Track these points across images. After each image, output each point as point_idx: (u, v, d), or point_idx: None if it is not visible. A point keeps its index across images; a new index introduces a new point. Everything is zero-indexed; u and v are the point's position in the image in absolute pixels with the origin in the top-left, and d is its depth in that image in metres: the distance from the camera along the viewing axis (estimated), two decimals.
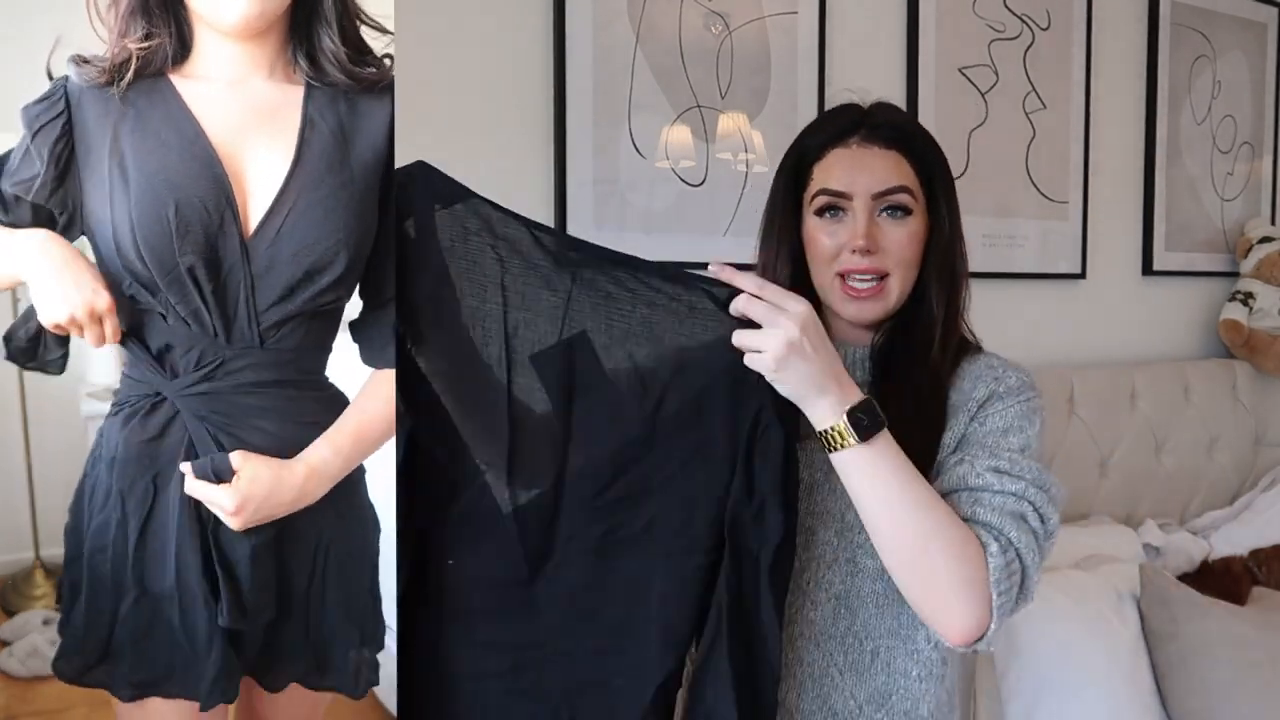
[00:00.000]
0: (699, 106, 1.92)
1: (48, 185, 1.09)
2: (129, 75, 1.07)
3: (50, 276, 1.04)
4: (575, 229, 1.80)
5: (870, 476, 0.96)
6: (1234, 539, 2.37)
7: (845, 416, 0.95)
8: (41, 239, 1.06)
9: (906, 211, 1.09)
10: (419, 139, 1.69)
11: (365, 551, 1.27)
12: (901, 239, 1.08)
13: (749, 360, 0.95)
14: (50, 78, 1.11)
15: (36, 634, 1.64)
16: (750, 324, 0.96)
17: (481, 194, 1.03)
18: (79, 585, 1.17)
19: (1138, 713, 1.81)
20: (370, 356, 1.22)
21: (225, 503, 1.08)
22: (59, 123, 1.08)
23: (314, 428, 1.17)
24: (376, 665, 1.27)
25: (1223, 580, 2.18)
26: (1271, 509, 2.47)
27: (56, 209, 1.10)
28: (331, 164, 1.10)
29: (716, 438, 0.99)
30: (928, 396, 1.09)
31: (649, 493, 1.01)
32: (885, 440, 0.97)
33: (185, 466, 1.10)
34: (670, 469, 1.01)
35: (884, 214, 1.08)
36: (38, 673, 1.66)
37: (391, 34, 1.17)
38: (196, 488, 1.09)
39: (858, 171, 1.08)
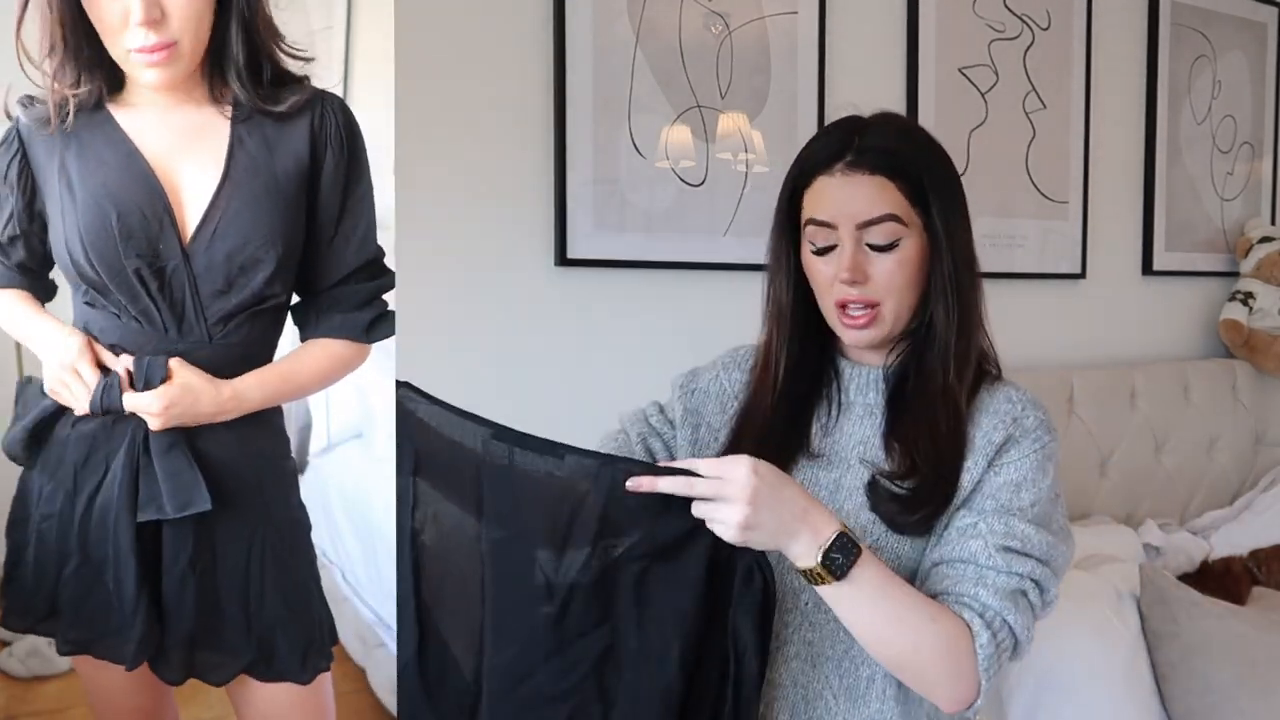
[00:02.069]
0: (699, 106, 1.92)
1: (22, 214, 1.24)
2: (70, 115, 1.18)
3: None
4: (575, 229, 1.80)
5: (854, 608, 0.97)
6: (1234, 539, 2.37)
7: (820, 558, 0.94)
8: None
9: (894, 241, 1.06)
10: (419, 139, 1.69)
11: (299, 547, 1.35)
12: (890, 268, 1.06)
13: (715, 529, 0.93)
14: (9, 118, 1.23)
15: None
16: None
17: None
18: (24, 548, 1.28)
19: (1138, 713, 1.81)
20: (306, 335, 1.33)
21: (151, 405, 1.19)
22: (17, 159, 1.22)
23: (261, 423, 1.30)
24: (325, 653, 1.35)
25: (1223, 580, 2.19)
26: (1271, 509, 2.47)
27: (38, 239, 1.25)
28: (257, 173, 1.21)
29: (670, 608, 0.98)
30: (946, 432, 1.07)
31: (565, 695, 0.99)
32: (865, 567, 0.95)
33: (125, 365, 1.21)
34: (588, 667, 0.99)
35: (872, 246, 1.07)
36: (38, 673, 1.66)
37: (309, 59, 1.26)
38: (128, 399, 1.20)
39: (842, 201, 1.06)
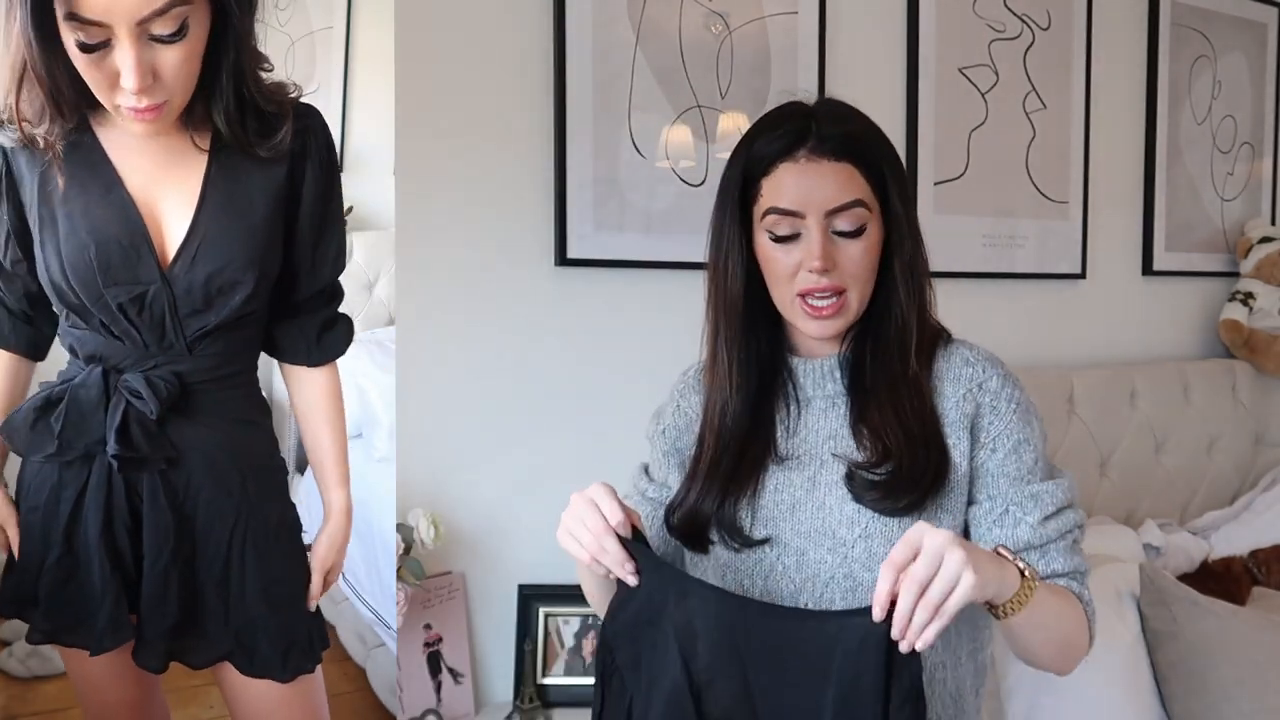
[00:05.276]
0: (699, 106, 1.92)
1: (16, 225, 1.22)
2: (50, 146, 1.16)
3: None
4: (575, 229, 1.80)
5: (1041, 615, 0.98)
6: (1234, 539, 2.37)
7: (1021, 565, 0.95)
8: None
9: (861, 227, 1.06)
10: (419, 139, 1.69)
11: (286, 544, 1.36)
12: (857, 255, 1.06)
13: (957, 595, 0.85)
14: None
15: None
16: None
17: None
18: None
19: (1138, 713, 1.81)
20: (287, 354, 1.38)
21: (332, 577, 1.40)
22: (3, 176, 1.21)
23: (247, 424, 1.31)
24: (310, 654, 1.36)
25: (1223, 580, 2.19)
26: (1271, 509, 2.46)
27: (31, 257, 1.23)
28: (234, 198, 1.22)
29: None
30: (912, 413, 1.08)
31: None
32: (1032, 575, 0.97)
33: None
34: None
35: (839, 233, 1.06)
36: (37, 673, 1.66)
37: (298, 92, 1.25)
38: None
39: (810, 189, 1.05)
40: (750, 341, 1.12)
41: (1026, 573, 0.95)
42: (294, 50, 1.73)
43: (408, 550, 1.64)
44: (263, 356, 1.37)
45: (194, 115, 1.19)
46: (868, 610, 0.88)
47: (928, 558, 0.85)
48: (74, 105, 1.12)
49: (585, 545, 0.97)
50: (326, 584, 1.40)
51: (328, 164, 1.29)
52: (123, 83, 1.07)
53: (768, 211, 1.07)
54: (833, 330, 1.09)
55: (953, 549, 0.85)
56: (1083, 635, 1.06)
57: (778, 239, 1.07)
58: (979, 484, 1.09)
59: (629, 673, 1.01)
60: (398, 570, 1.63)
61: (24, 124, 1.13)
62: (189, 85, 1.13)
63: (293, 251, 1.30)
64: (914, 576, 0.85)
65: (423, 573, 1.67)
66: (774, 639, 0.94)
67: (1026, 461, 1.08)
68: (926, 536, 0.86)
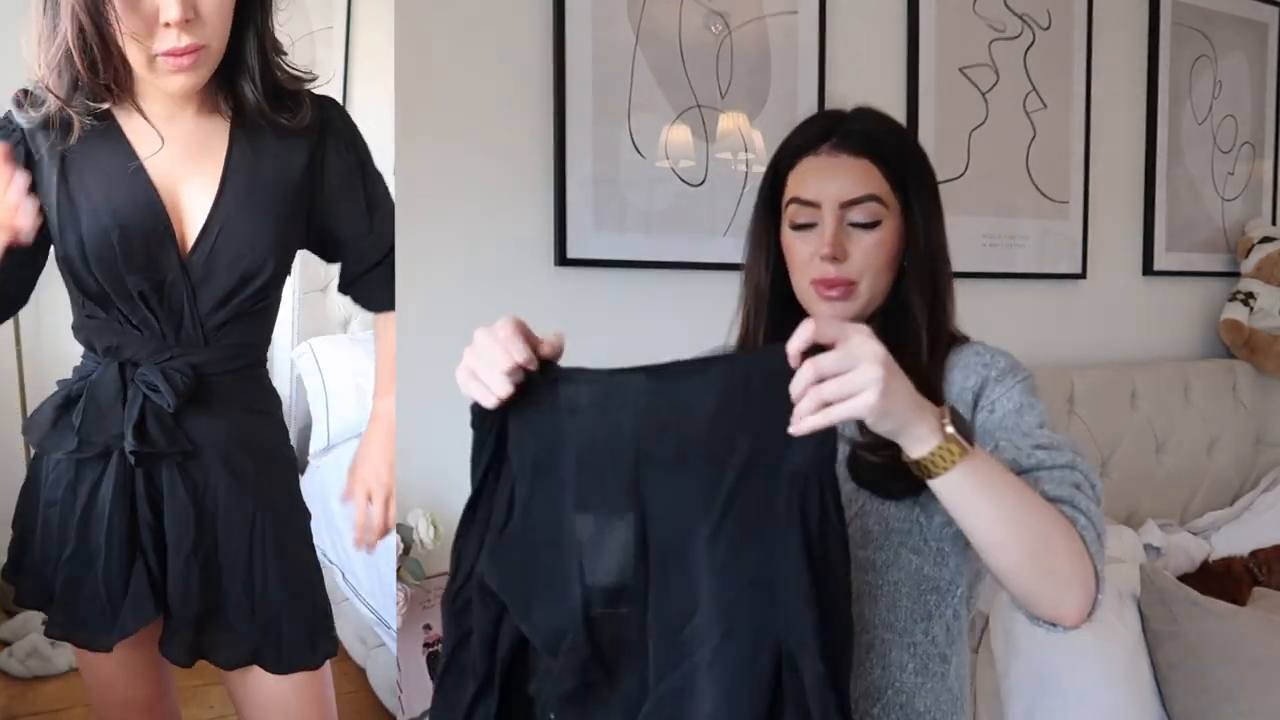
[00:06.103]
0: (699, 106, 1.92)
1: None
2: (72, 134, 1.14)
3: None
4: (575, 229, 1.80)
5: (985, 487, 0.90)
6: (1234, 539, 2.37)
7: (948, 428, 0.86)
8: None
9: (876, 221, 1.09)
10: (419, 139, 1.69)
11: (300, 533, 1.38)
12: (870, 247, 1.09)
13: (846, 407, 0.81)
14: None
15: (36, 634, 1.64)
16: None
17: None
18: (31, 532, 1.30)
19: (1138, 713, 1.81)
20: (373, 305, 1.44)
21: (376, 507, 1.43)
22: (20, 149, 1.18)
23: (259, 414, 1.33)
24: (330, 639, 1.38)
25: (1223, 580, 2.19)
26: (1271, 509, 2.47)
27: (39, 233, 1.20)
28: (254, 186, 1.22)
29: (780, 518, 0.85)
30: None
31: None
32: (978, 443, 0.91)
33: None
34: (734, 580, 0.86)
35: (853, 224, 1.10)
36: (37, 673, 1.66)
37: (314, 77, 1.27)
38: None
39: (827, 180, 1.10)
40: (775, 328, 1.17)
41: (946, 421, 0.87)
42: (294, 50, 1.73)
43: (407, 550, 1.64)
44: (271, 350, 1.38)
45: (215, 91, 1.19)
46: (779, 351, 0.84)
47: (845, 355, 0.81)
48: (112, 70, 1.10)
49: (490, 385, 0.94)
50: (381, 526, 1.42)
51: (353, 144, 1.31)
52: (163, 15, 1.07)
53: (790, 201, 1.13)
54: (841, 313, 1.12)
55: (873, 365, 0.81)
56: (1076, 559, 0.93)
57: (796, 227, 1.12)
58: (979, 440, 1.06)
59: (517, 459, 0.95)
60: (397, 570, 1.63)
61: (54, 96, 1.11)
62: (224, 35, 1.14)
63: (349, 230, 1.32)
64: (819, 363, 0.81)
65: (422, 573, 1.67)
66: (675, 405, 0.92)
67: (1029, 421, 1.06)
68: (856, 337, 0.82)
